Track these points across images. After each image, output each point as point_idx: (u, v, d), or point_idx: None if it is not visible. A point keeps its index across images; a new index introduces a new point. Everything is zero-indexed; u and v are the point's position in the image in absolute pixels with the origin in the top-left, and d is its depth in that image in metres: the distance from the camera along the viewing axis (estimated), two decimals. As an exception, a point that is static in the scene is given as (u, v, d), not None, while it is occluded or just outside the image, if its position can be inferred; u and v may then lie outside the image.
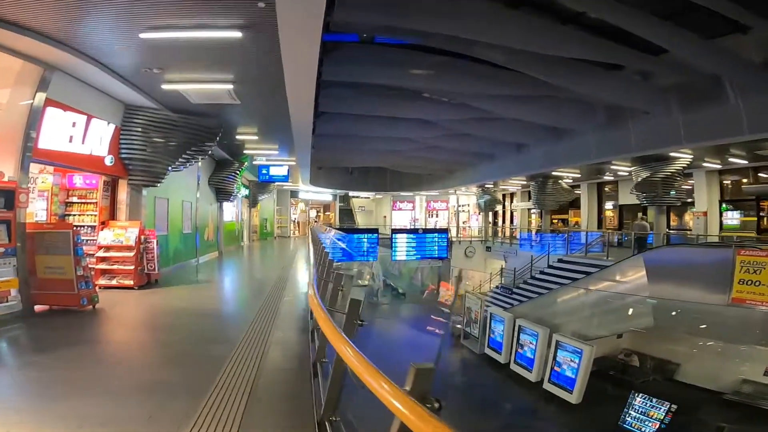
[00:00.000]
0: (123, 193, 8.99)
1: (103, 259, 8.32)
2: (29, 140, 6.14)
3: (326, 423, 2.40)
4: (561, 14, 6.61)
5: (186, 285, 9.44)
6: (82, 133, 7.40)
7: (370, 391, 1.41)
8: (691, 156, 13.22)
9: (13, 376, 4.01)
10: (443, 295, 16.10)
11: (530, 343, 9.56)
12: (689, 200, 15.67)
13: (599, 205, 20.37)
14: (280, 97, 7.32)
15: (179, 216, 12.14)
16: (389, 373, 1.41)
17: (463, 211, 32.63)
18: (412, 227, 27.02)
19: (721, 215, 14.75)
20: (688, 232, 15.45)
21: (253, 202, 22.16)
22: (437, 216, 33.64)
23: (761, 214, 13.80)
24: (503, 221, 28.51)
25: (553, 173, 18.36)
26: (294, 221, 32.40)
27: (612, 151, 11.05)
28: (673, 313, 8.78)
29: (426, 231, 19.26)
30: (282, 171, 18.00)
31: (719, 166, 14.38)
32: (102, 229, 8.50)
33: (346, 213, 32.62)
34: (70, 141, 7.18)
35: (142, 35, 5.35)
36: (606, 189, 20.13)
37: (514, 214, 27.66)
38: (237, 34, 5.23)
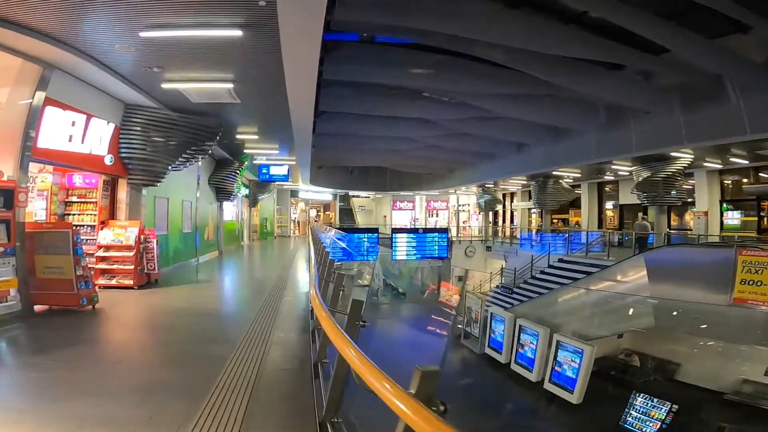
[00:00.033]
0: (123, 192, 8.97)
1: (102, 259, 8.30)
2: (28, 139, 6.12)
3: (328, 424, 2.38)
4: (562, 14, 6.60)
5: (186, 285, 9.42)
6: (81, 133, 7.37)
7: (372, 393, 1.40)
8: (692, 156, 13.21)
9: (12, 376, 4.00)
10: (444, 294, 16.07)
11: (531, 342, 9.54)
12: (690, 200, 15.66)
13: (600, 204, 20.37)
14: (280, 96, 7.31)
15: (179, 215, 12.12)
16: (391, 374, 1.39)
17: (463, 210, 32.62)
18: (412, 227, 26.99)
19: (721, 215, 14.75)
20: (689, 232, 15.45)
21: (253, 201, 22.15)
22: (437, 215, 33.63)
23: (762, 214, 13.80)
24: (503, 221, 28.50)
25: (554, 173, 18.34)
26: (294, 221, 32.38)
27: (613, 150, 11.04)
28: (674, 313, 8.77)
29: (426, 231, 19.21)
30: (282, 170, 17.98)
31: (720, 166, 14.38)
32: (102, 229, 8.47)
33: (346, 212, 32.61)
34: (70, 140, 7.15)
35: (143, 34, 5.33)
36: (606, 189, 20.12)
37: (515, 213, 27.65)
38: (237, 33, 5.21)
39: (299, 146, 12.31)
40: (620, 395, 7.88)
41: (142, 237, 8.45)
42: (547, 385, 8.72)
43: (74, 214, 8.56)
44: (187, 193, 12.35)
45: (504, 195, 27.70)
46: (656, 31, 6.32)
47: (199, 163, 11.43)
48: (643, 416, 7.36)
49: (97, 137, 7.81)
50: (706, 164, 14.24)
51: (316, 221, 32.73)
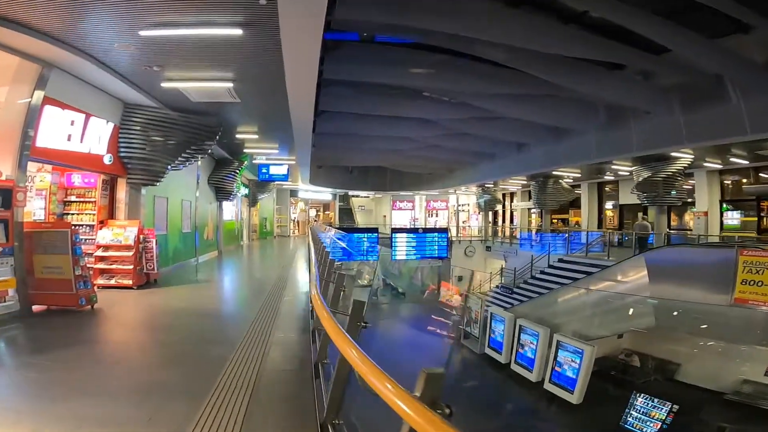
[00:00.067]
0: (122, 192, 8.94)
1: (101, 259, 8.27)
2: (27, 138, 6.09)
3: (329, 426, 2.36)
4: (562, 13, 6.58)
5: (185, 285, 9.40)
6: (80, 132, 7.35)
7: (372, 395, 1.38)
8: (692, 156, 13.21)
9: (10, 376, 3.97)
10: (444, 294, 16.07)
11: (531, 343, 9.53)
12: (690, 200, 15.67)
13: (599, 204, 20.37)
14: (280, 95, 7.28)
15: (178, 215, 12.09)
16: (391, 375, 1.37)
17: (463, 210, 32.61)
18: (412, 227, 26.99)
19: (721, 215, 14.76)
20: (689, 232, 15.46)
21: (252, 201, 22.13)
22: (437, 215, 33.62)
23: (761, 214, 13.80)
24: (503, 221, 28.50)
25: (554, 173, 18.34)
26: (293, 220, 32.36)
27: (613, 150, 11.02)
28: (675, 313, 8.76)
29: (426, 230, 19.22)
30: (282, 170, 17.96)
31: (720, 166, 14.38)
32: (101, 228, 8.45)
33: (346, 212, 32.59)
34: (69, 139, 7.13)
35: (143, 32, 5.30)
36: (606, 189, 20.12)
37: (514, 213, 27.64)
38: (238, 32, 5.18)
39: (299, 146, 12.29)
40: (620, 395, 7.87)
41: (141, 237, 8.42)
42: (548, 386, 8.71)
43: (73, 214, 8.54)
44: (186, 193, 12.32)
45: (504, 195, 27.69)
46: (656, 30, 6.30)
47: (199, 162, 11.40)
48: (643, 416, 7.35)
49: (96, 136, 7.79)
50: (706, 164, 14.25)
51: (315, 221, 32.71)
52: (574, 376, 8.21)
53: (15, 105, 6.06)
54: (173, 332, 5.76)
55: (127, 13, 4.92)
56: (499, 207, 27.71)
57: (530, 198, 21.86)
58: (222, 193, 15.83)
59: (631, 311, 9.61)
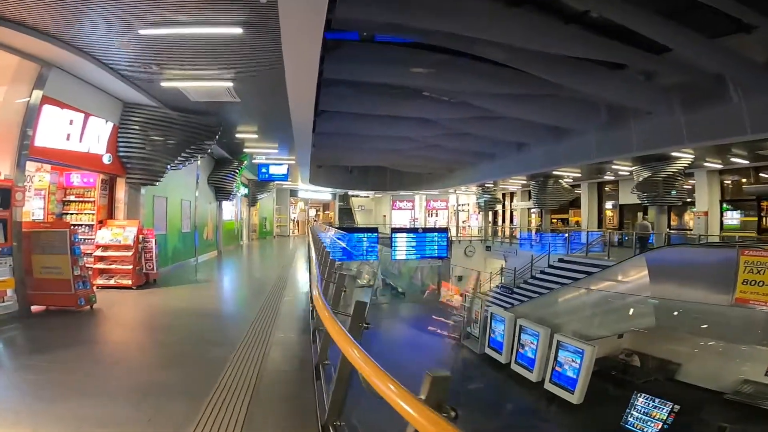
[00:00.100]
0: (121, 191, 8.92)
1: (100, 259, 8.25)
2: (26, 138, 6.07)
3: (330, 427, 2.34)
4: (563, 13, 6.56)
5: (185, 285, 9.37)
6: (79, 131, 7.32)
7: (376, 397, 1.36)
8: (693, 156, 13.20)
9: (9, 377, 3.95)
10: (444, 294, 16.06)
11: (531, 343, 9.51)
12: (690, 200, 15.66)
13: (599, 204, 20.36)
14: (280, 95, 7.26)
15: (178, 215, 12.06)
16: (393, 375, 1.36)
17: (463, 210, 32.59)
18: (412, 226, 26.98)
19: (721, 215, 14.75)
20: (689, 232, 15.45)
21: (252, 201, 22.09)
22: (437, 215, 33.61)
23: (762, 214, 13.80)
24: (503, 220, 28.49)
25: (554, 173, 18.33)
26: (293, 220, 32.32)
27: (613, 150, 11.01)
28: (675, 313, 8.75)
29: (426, 230, 19.20)
30: (281, 170, 17.94)
31: (720, 166, 14.38)
32: (100, 228, 8.42)
33: (346, 212, 32.56)
34: (68, 139, 7.10)
35: (142, 31, 5.28)
36: (606, 188, 20.12)
37: (514, 213, 27.63)
38: (238, 31, 5.16)
39: (299, 145, 12.27)
40: (621, 395, 7.86)
41: (140, 236, 8.40)
42: (548, 386, 8.70)
43: (72, 214, 8.51)
44: (186, 193, 12.29)
45: (504, 195, 27.68)
46: (657, 29, 6.29)
47: (198, 162, 11.38)
48: (644, 416, 7.34)
49: (95, 136, 7.76)
50: (706, 164, 14.24)
51: (315, 221, 32.68)
52: (574, 376, 8.20)
53: (14, 104, 6.04)
54: (173, 332, 5.73)
55: (127, 11, 4.89)
56: (499, 207, 27.70)
57: (530, 198, 21.85)
58: (221, 192, 15.81)
59: (631, 311, 9.60)
